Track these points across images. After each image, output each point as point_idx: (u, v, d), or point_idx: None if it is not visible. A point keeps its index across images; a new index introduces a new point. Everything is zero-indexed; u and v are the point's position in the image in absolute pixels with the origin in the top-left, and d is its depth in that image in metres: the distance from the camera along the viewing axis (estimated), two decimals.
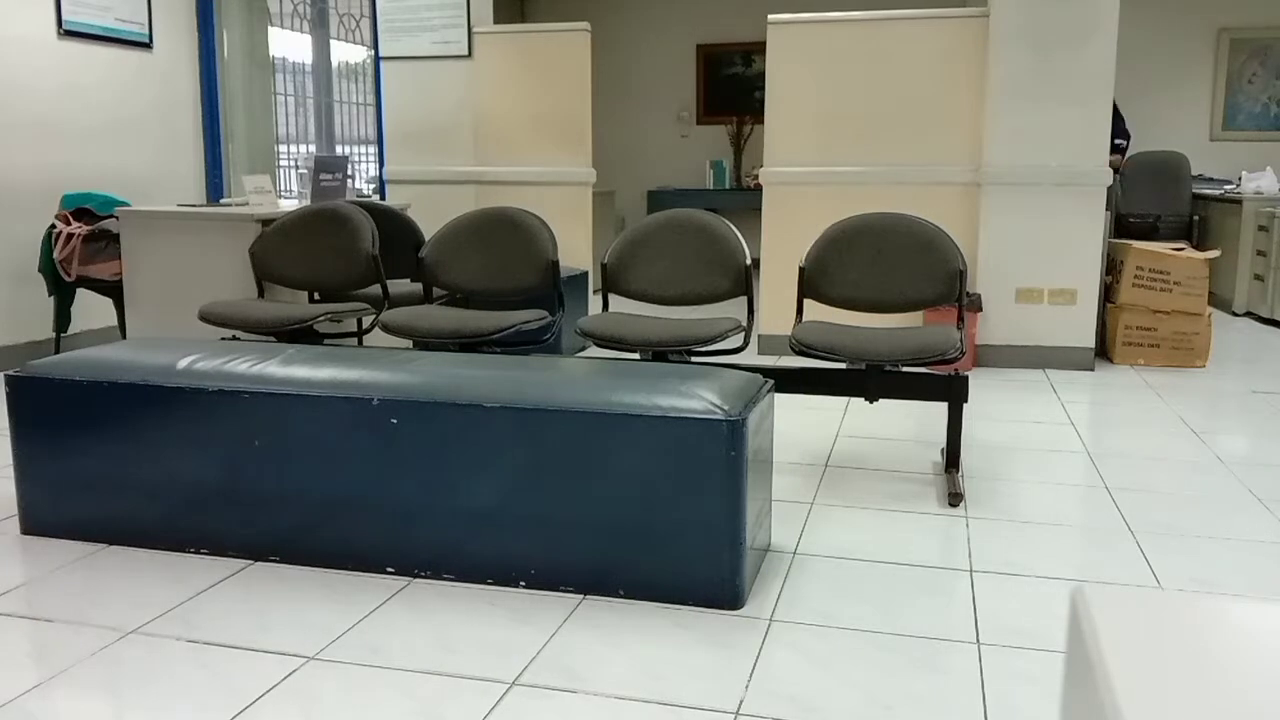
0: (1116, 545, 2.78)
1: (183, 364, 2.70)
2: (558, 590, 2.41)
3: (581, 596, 2.39)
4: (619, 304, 3.68)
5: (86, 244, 4.74)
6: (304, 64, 7.07)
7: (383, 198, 6.00)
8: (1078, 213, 4.96)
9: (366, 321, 3.93)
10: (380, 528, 2.53)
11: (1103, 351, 5.22)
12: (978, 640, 2.22)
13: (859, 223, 3.48)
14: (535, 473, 2.42)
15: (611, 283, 3.69)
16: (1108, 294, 5.25)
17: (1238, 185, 7.00)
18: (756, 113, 7.15)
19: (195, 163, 6.07)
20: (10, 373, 2.82)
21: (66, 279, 4.78)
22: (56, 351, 4.56)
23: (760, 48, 5.56)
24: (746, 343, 3.40)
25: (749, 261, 3.55)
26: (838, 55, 5.17)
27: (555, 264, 3.80)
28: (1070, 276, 5.00)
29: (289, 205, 5.10)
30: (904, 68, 5.08)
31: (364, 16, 6.56)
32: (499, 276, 3.89)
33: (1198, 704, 0.76)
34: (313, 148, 7.09)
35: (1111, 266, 5.28)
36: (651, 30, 8.90)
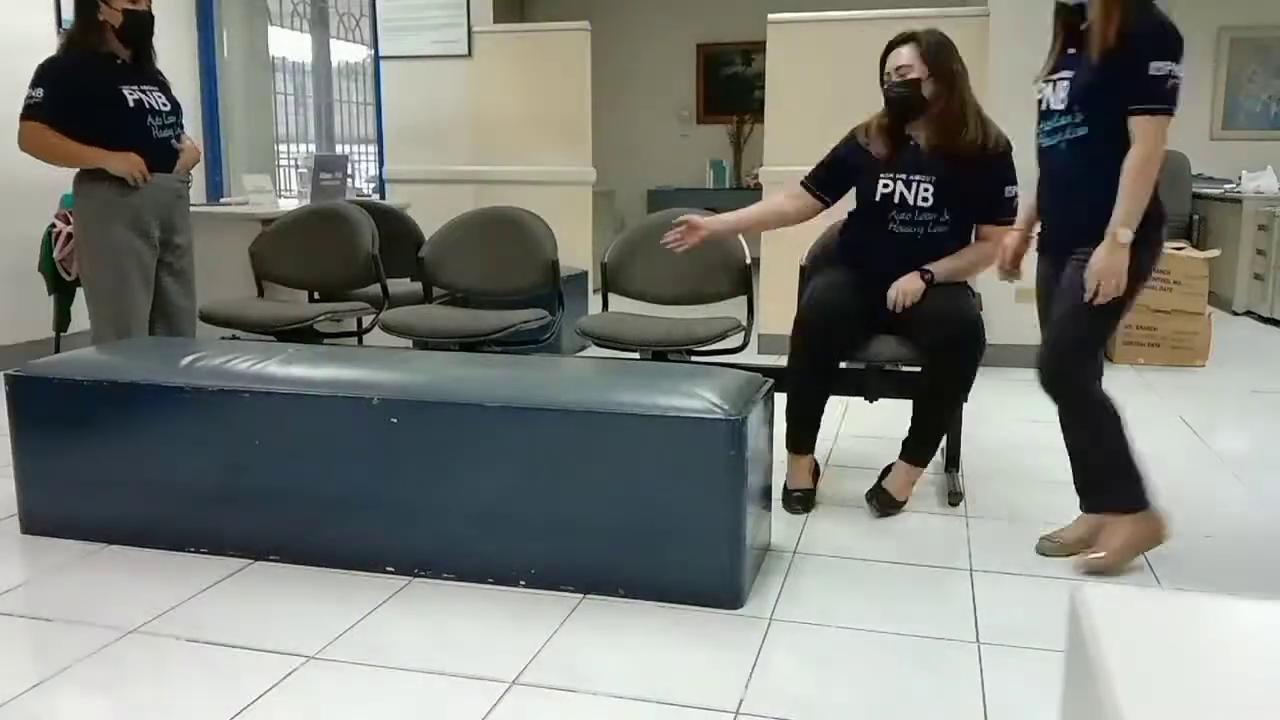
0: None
1: (183, 364, 2.70)
2: (558, 590, 2.41)
3: (581, 596, 2.39)
4: (619, 304, 3.68)
5: None
6: (304, 63, 7.07)
7: (383, 197, 6.00)
8: None
9: (366, 321, 3.93)
10: (380, 528, 2.53)
11: None
12: (978, 640, 2.22)
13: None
14: (535, 473, 2.42)
15: (611, 283, 3.69)
16: None
17: (1238, 184, 7.00)
18: (756, 112, 7.15)
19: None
20: (10, 373, 2.82)
21: (66, 278, 4.77)
22: (56, 351, 4.55)
23: (760, 47, 5.55)
24: (746, 342, 3.40)
25: (749, 261, 3.55)
26: (838, 55, 5.17)
27: (555, 264, 3.80)
28: None
29: (289, 205, 5.11)
30: None
31: (364, 16, 6.55)
32: (499, 276, 3.89)
33: (1198, 704, 0.76)
34: (313, 147, 7.09)
35: None
36: (651, 30, 8.89)
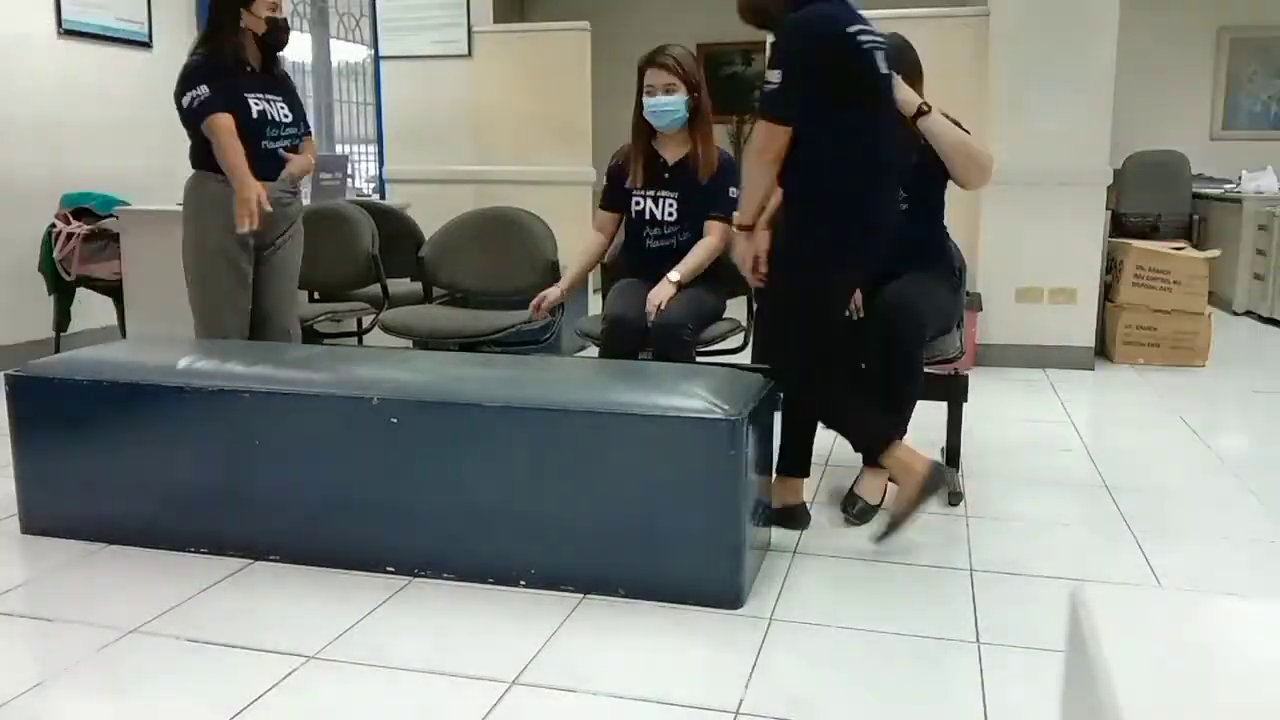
0: (1116, 545, 2.77)
1: (183, 364, 2.70)
2: (558, 590, 2.41)
3: (581, 596, 2.39)
4: None
5: (86, 243, 4.74)
6: (304, 63, 7.06)
7: (383, 197, 6.00)
8: (1078, 212, 4.96)
9: (366, 321, 3.93)
10: (380, 528, 2.53)
11: (1103, 351, 5.22)
12: (978, 640, 2.22)
13: None
14: (535, 473, 2.42)
15: (611, 282, 3.68)
16: (1108, 293, 5.25)
17: (1238, 185, 7.00)
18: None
19: None
20: (10, 373, 2.82)
21: (66, 278, 4.78)
22: (56, 351, 4.56)
23: (760, 47, 5.56)
24: (746, 342, 3.39)
25: None
26: None
27: (555, 264, 3.80)
28: (1070, 276, 5.00)
29: None
30: None
31: (364, 15, 6.55)
32: (499, 276, 3.89)
33: (1198, 704, 0.76)
34: None
35: (1111, 266, 5.28)
36: (651, 29, 8.81)
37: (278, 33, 3.45)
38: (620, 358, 3.08)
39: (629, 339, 3.10)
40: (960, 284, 3.17)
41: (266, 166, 3.42)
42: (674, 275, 3.15)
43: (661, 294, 3.11)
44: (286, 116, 3.49)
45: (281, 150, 3.47)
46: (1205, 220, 7.15)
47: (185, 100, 3.36)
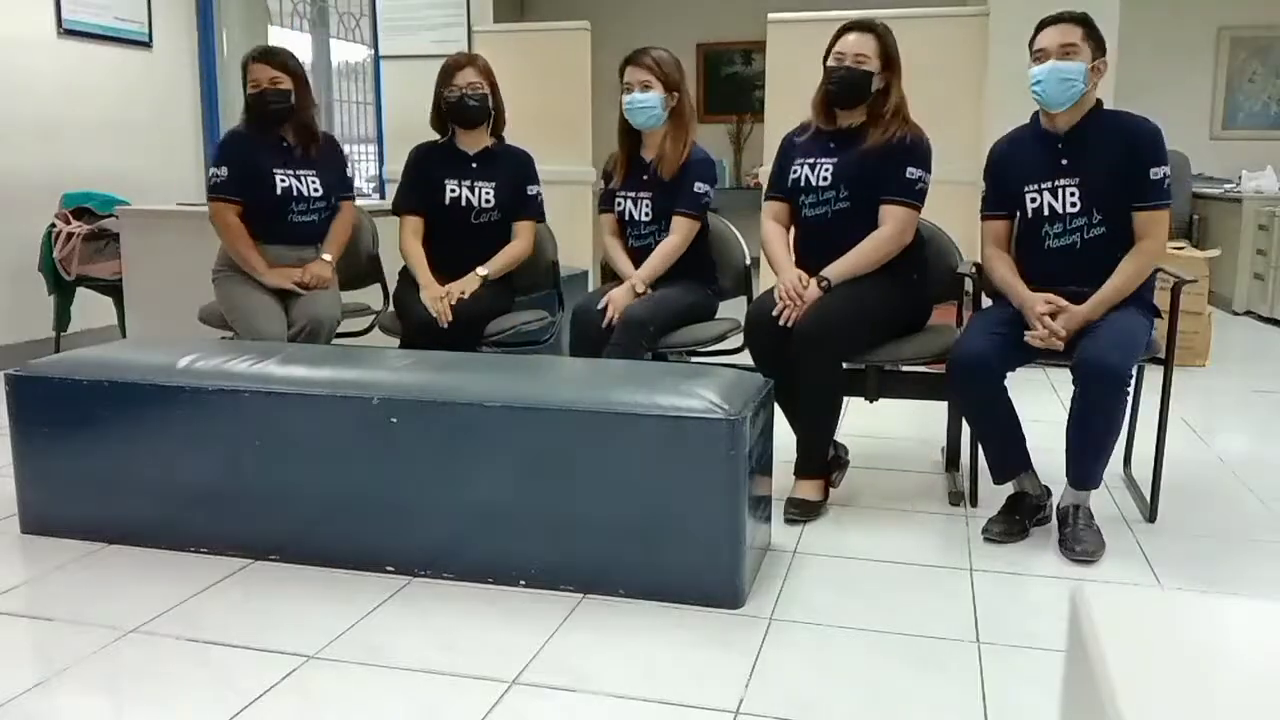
0: (1116, 545, 2.77)
1: (183, 364, 2.70)
2: (558, 590, 2.41)
3: (581, 596, 2.39)
4: None
5: (86, 243, 4.74)
6: (304, 63, 7.06)
7: (383, 197, 5.99)
8: None
9: (366, 321, 3.93)
10: (380, 528, 2.53)
11: None
12: (978, 640, 2.22)
13: None
14: (535, 473, 2.42)
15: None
16: None
17: (1238, 184, 7.01)
18: (756, 112, 7.15)
19: (195, 162, 6.07)
20: (10, 372, 2.82)
21: (66, 278, 4.78)
22: (56, 351, 4.56)
23: (760, 47, 5.55)
24: (745, 345, 3.39)
25: (749, 261, 3.54)
26: None
27: (555, 264, 3.80)
28: None
29: None
30: (904, 67, 5.07)
31: (364, 15, 6.55)
32: (499, 277, 3.87)
33: (1197, 704, 0.76)
34: None
35: None
36: (651, 29, 8.86)
37: (265, 106, 3.47)
38: (584, 352, 3.12)
39: (590, 333, 3.13)
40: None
41: (299, 238, 3.52)
42: (638, 285, 3.20)
43: (616, 298, 3.15)
44: (316, 191, 3.54)
45: (317, 221, 3.55)
46: (1205, 220, 7.15)
47: (209, 175, 3.48)
